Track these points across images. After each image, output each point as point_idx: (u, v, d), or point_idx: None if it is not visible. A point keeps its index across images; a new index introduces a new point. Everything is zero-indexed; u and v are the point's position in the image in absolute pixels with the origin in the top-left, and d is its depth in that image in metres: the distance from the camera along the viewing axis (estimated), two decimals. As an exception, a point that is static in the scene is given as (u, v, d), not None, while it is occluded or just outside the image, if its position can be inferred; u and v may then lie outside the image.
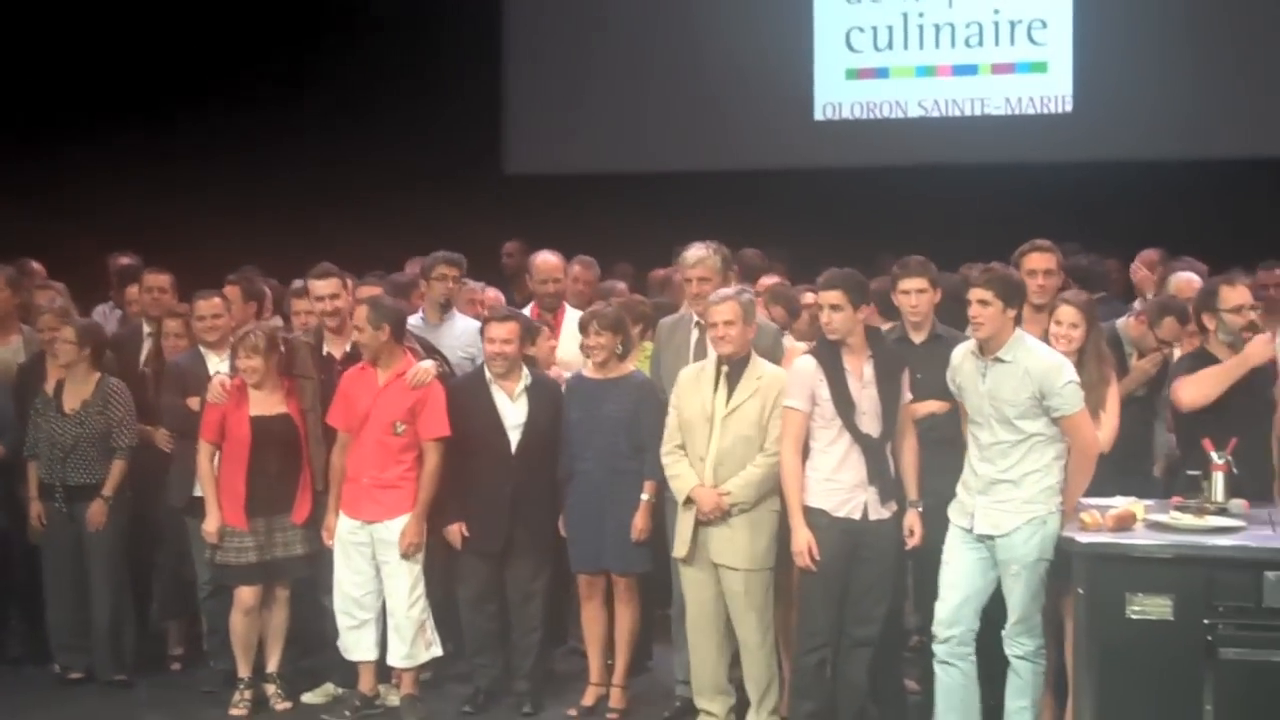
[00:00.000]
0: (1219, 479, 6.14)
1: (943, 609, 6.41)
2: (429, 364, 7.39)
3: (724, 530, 6.83)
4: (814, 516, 6.58)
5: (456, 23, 12.78)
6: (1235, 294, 6.76)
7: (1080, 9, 12.22)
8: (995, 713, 6.49)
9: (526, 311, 8.19)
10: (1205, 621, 5.61)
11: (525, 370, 7.45)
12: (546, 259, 8.45)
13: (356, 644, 7.38)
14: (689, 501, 6.85)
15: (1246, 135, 11.88)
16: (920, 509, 6.65)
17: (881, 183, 11.91)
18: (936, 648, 6.43)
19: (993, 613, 6.41)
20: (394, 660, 7.36)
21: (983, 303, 6.25)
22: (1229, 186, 11.30)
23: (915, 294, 6.90)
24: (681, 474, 6.89)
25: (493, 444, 7.34)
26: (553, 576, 7.54)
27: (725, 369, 6.85)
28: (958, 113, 12.47)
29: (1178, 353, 7.24)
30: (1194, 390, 6.56)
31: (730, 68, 12.61)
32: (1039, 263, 7.06)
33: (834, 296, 6.56)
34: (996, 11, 12.40)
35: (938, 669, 6.43)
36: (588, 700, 7.43)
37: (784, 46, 12.63)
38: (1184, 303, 7.44)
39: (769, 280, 8.42)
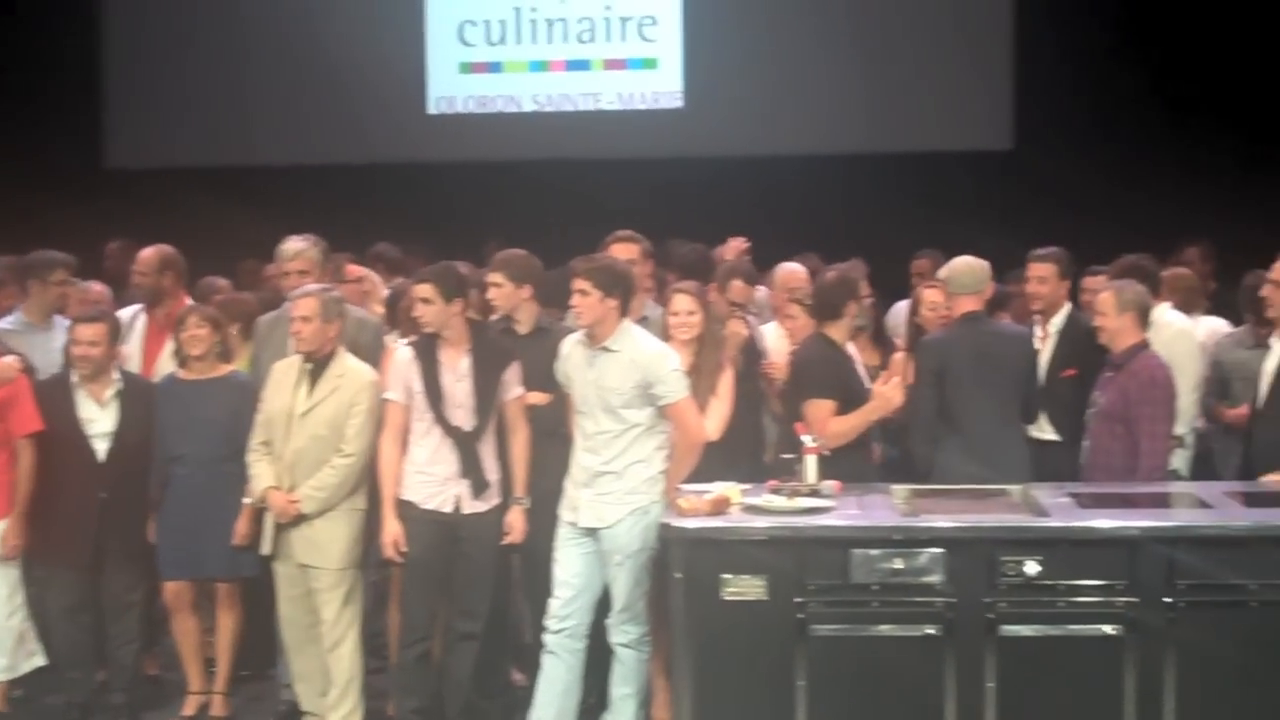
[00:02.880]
0: (811, 461, 6.30)
1: (555, 604, 6.43)
2: (10, 359, 7.06)
3: (305, 530, 6.74)
4: (405, 509, 6.57)
5: (53, 10, 12.27)
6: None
7: (689, 7, 12.51)
8: (604, 701, 6.53)
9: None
10: (797, 600, 5.72)
11: (117, 374, 7.16)
12: (144, 251, 8.14)
13: None
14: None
15: (852, 131, 12.33)
16: (526, 505, 6.66)
17: (496, 177, 11.94)
18: (546, 638, 6.44)
19: (600, 602, 6.45)
20: None
21: (582, 292, 6.32)
22: (833, 181, 11.69)
23: (493, 289, 6.91)
24: (259, 474, 6.77)
25: (76, 450, 7.02)
26: (151, 586, 7.28)
27: (310, 366, 6.75)
28: (571, 108, 12.61)
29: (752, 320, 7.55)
30: (841, 439, 6.63)
31: (342, 60, 12.44)
32: (621, 253, 7.15)
33: (425, 290, 6.57)
34: (608, 8, 12.58)
35: (544, 659, 6.44)
36: (189, 709, 7.19)
37: (396, 39, 12.56)
38: (748, 265, 8.02)
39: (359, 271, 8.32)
